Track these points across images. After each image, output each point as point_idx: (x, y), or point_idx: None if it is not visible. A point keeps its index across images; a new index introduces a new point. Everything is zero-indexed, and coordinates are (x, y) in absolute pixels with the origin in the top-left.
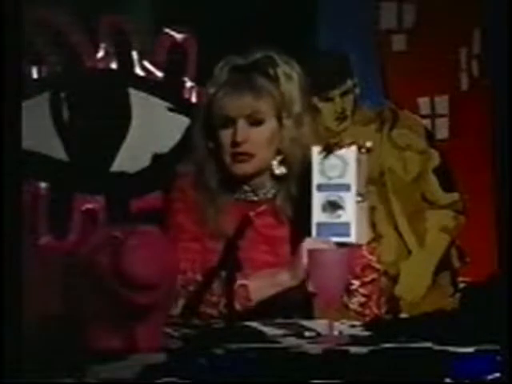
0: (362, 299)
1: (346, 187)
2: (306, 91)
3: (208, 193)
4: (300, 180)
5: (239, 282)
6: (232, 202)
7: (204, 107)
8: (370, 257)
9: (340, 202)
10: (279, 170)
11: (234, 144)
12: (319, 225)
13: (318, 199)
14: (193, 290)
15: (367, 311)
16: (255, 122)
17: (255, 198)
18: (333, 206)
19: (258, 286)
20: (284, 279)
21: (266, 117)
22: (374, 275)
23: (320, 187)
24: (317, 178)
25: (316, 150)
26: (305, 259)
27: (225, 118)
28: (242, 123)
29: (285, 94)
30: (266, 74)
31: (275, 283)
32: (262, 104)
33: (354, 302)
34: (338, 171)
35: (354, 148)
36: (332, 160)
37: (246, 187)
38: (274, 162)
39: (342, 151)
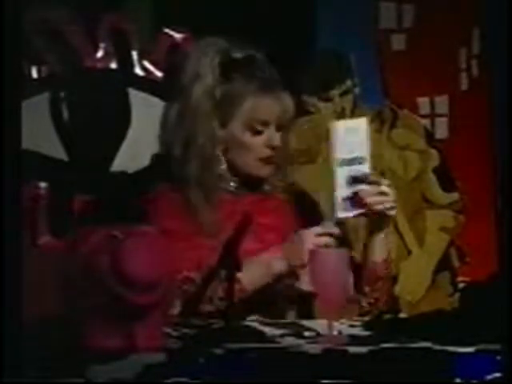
0: (371, 300)
1: (362, 160)
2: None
3: (208, 191)
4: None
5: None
6: (225, 195)
7: (206, 93)
8: (383, 271)
9: (362, 176)
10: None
11: (268, 147)
12: (344, 199)
13: (340, 174)
14: (193, 289)
15: (374, 310)
16: (280, 126)
17: (260, 192)
18: (356, 180)
19: (252, 276)
20: (277, 265)
21: (286, 122)
22: (385, 284)
23: (342, 162)
24: (339, 153)
25: (335, 126)
26: (301, 244)
27: (260, 123)
28: (275, 127)
29: (285, 98)
30: (275, 78)
31: (269, 271)
32: (285, 107)
33: (363, 302)
34: (354, 146)
35: (364, 120)
36: (348, 136)
37: (254, 187)
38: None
39: (355, 125)
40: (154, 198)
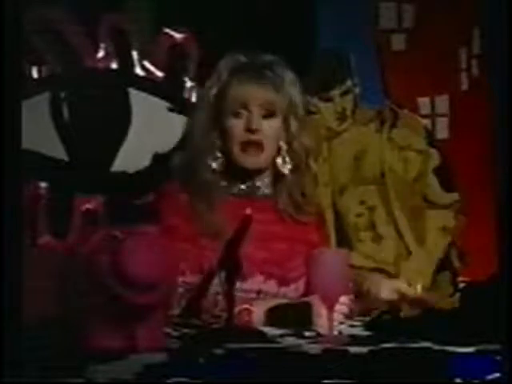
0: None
1: None
2: (306, 97)
3: (204, 188)
4: (300, 180)
5: (244, 305)
6: (229, 198)
7: (211, 96)
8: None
9: None
10: (284, 169)
11: (248, 131)
12: None
13: None
14: (193, 290)
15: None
16: (268, 113)
17: (254, 194)
18: None
19: (262, 312)
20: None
21: (278, 110)
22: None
23: None
24: None
25: None
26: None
27: (239, 105)
28: (256, 112)
29: (291, 96)
30: (275, 73)
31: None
32: (275, 96)
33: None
34: None
35: None
36: None
37: (246, 183)
38: (279, 161)
39: None
40: (156, 198)
